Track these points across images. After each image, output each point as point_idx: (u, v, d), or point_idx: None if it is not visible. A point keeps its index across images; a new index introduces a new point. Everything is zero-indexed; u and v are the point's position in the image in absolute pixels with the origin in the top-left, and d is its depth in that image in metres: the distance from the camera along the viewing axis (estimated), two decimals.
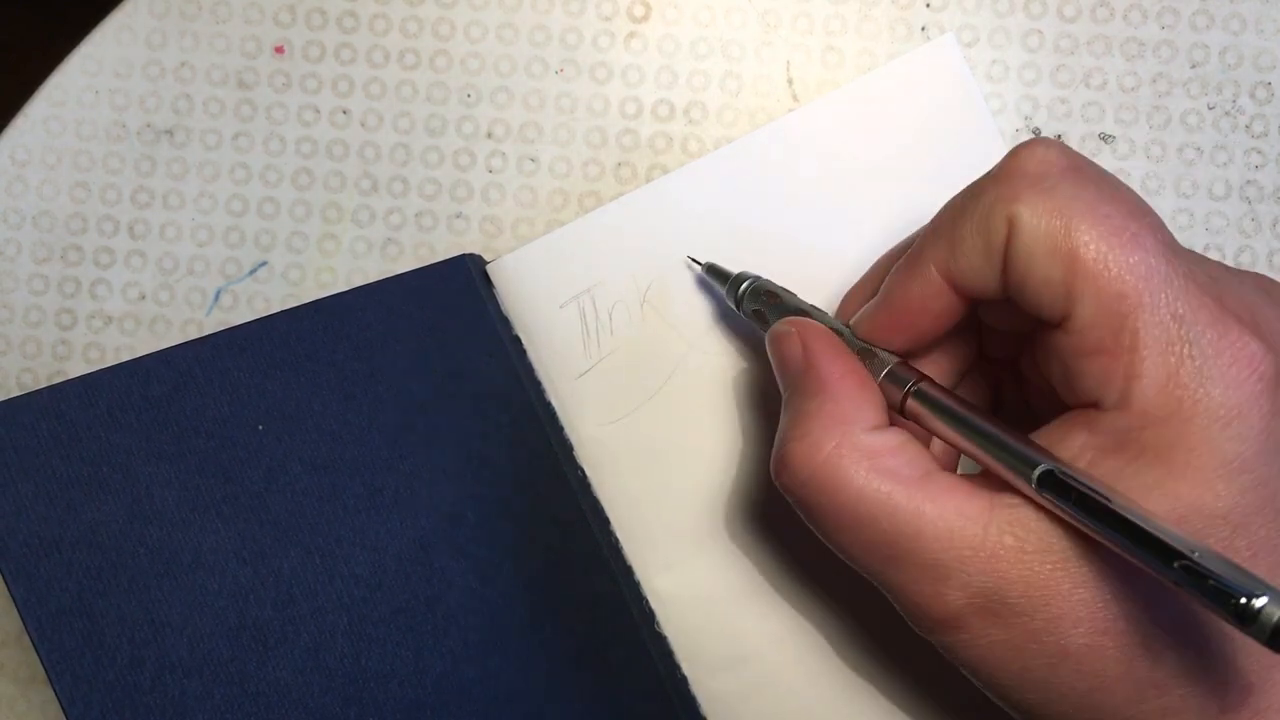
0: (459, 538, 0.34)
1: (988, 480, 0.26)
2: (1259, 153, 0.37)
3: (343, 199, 0.38)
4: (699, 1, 0.38)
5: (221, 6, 0.38)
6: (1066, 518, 0.24)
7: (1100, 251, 0.24)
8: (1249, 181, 0.37)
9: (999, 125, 0.37)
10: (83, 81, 0.38)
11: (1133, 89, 0.38)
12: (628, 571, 0.36)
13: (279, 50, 0.38)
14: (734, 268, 0.35)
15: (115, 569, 0.31)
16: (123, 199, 0.38)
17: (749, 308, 0.33)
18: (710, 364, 0.36)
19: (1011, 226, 0.25)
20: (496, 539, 0.35)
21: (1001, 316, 0.29)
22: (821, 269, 0.36)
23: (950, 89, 0.37)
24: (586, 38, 0.38)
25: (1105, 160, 0.37)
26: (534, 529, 0.35)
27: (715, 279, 0.35)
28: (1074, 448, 0.25)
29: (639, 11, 0.38)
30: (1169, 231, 0.26)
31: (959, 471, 0.29)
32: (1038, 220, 0.25)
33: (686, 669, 0.36)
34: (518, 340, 0.36)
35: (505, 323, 0.36)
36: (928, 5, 0.38)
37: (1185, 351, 0.24)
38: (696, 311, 0.37)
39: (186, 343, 0.33)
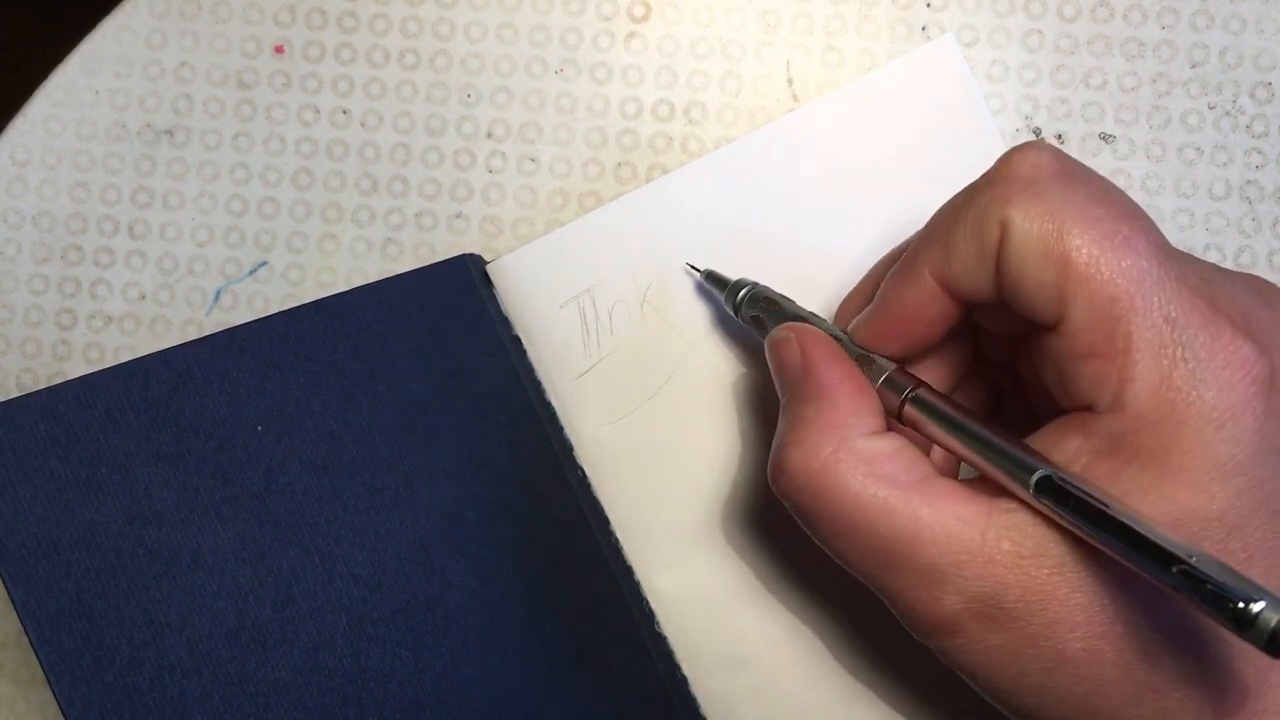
0: (459, 538, 0.34)
1: (985, 485, 0.26)
2: (1259, 153, 0.37)
3: (343, 199, 0.38)
4: (699, 1, 0.38)
5: (221, 6, 0.38)
6: (1064, 523, 0.24)
7: (1092, 255, 0.24)
8: (1249, 181, 0.37)
9: (999, 125, 0.37)
10: (83, 81, 0.38)
11: (1133, 89, 0.38)
12: (628, 571, 0.36)
13: (279, 50, 0.38)
14: (733, 272, 0.35)
15: (114, 570, 0.31)
16: (123, 199, 0.38)
17: (747, 314, 0.33)
18: (710, 364, 0.36)
19: (1004, 230, 0.25)
20: (496, 539, 0.35)
21: (997, 320, 0.29)
22: (821, 269, 0.36)
23: (950, 89, 0.37)
24: (586, 38, 0.38)
25: (1105, 160, 0.37)
26: (534, 529, 0.35)
27: (713, 285, 0.35)
28: (1069, 451, 0.25)
29: (639, 11, 0.38)
30: (1161, 234, 0.26)
31: (960, 477, 0.29)
32: (1030, 224, 0.25)
33: (686, 669, 0.36)
34: (518, 340, 0.37)
35: (505, 323, 0.36)
36: (928, 5, 0.38)
37: (1178, 354, 0.24)
38: (696, 312, 0.37)
39: (185, 343, 0.33)
